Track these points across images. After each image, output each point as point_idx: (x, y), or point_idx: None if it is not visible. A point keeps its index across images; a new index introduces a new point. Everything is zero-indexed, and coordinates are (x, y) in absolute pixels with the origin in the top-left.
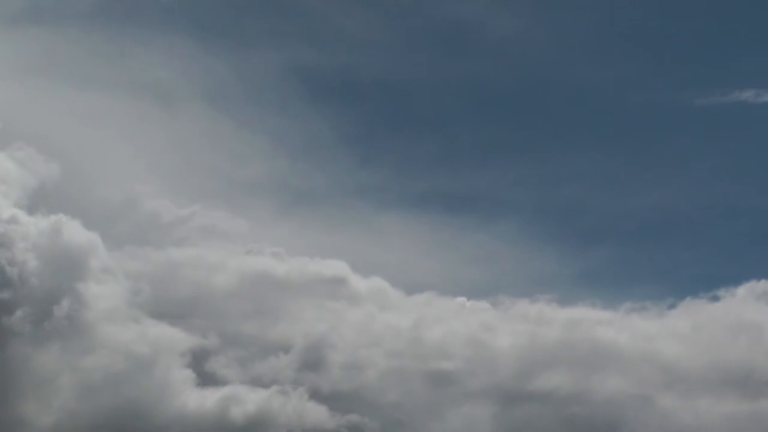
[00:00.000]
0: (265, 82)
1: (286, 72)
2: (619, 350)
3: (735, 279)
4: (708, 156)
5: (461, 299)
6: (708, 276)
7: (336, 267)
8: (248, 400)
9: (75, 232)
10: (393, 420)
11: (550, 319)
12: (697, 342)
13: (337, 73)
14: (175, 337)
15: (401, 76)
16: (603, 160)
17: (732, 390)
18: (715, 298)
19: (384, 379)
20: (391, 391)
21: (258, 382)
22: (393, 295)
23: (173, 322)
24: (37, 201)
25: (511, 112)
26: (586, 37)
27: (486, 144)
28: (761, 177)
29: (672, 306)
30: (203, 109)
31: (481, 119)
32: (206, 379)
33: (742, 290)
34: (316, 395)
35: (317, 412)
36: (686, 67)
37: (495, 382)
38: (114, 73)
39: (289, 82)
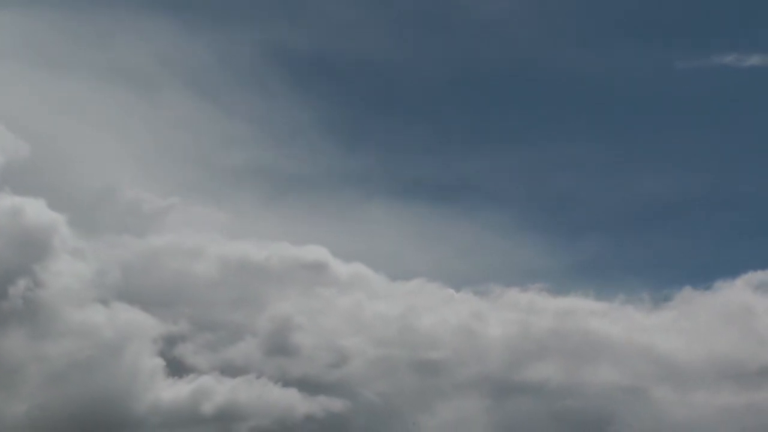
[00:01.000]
0: (247, 66)
1: (268, 55)
2: (612, 342)
3: (732, 270)
4: (703, 144)
5: (450, 288)
6: (704, 267)
7: (318, 253)
8: (221, 388)
9: (38, 212)
10: (380, 411)
11: (541, 308)
12: (692, 334)
13: (321, 55)
14: (146, 323)
15: (388, 58)
16: (596, 147)
17: (727, 382)
18: (712, 289)
19: (370, 368)
20: (377, 381)
21: (230, 369)
22: (380, 284)
23: (147, 309)
24: (3, 179)
25: (501, 96)
26: (576, 18)
27: (476, 130)
28: (761, 167)
29: (667, 298)
30: (183, 94)
31: (470, 104)
32: (177, 367)
33: (739, 281)
34: (290, 381)
35: (289, 397)
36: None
37: (485, 373)
38: (90, 57)
39: (271, 65)
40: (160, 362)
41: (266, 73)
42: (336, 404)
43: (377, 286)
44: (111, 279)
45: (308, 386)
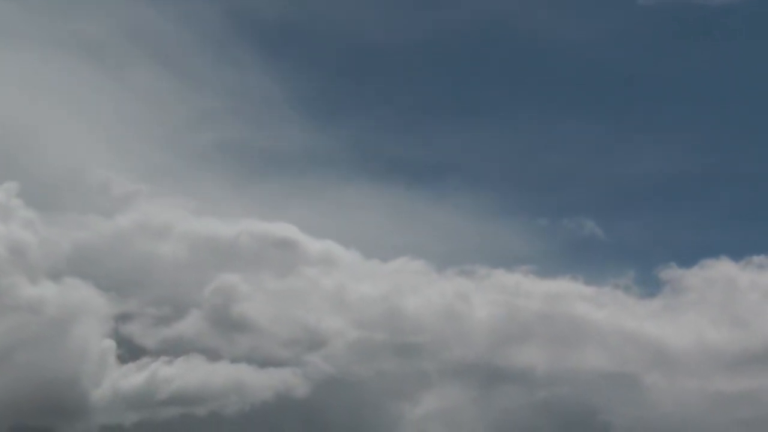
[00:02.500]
0: (216, 38)
1: (237, 26)
2: (600, 327)
3: (727, 252)
4: (697, 121)
5: (434, 268)
6: (697, 249)
7: (290, 231)
8: (179, 369)
9: None
10: (358, 397)
11: (528, 291)
12: (682, 319)
13: (292, 26)
14: (97, 302)
15: (363, 29)
16: (586, 124)
17: (719, 369)
18: (704, 272)
19: (349, 352)
20: (357, 367)
21: (190, 350)
22: (360, 264)
23: (107, 288)
24: None
25: (487, 70)
26: None
27: (459, 105)
28: (757, 147)
29: (657, 281)
30: (149, 68)
31: (452, 78)
32: (132, 349)
33: (733, 264)
34: (258, 362)
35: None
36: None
37: (471, 359)
38: (46, 30)
39: (241, 36)
40: (111, 343)
41: (236, 45)
42: (308, 389)
43: (357, 266)
44: (63, 255)
45: (280, 369)
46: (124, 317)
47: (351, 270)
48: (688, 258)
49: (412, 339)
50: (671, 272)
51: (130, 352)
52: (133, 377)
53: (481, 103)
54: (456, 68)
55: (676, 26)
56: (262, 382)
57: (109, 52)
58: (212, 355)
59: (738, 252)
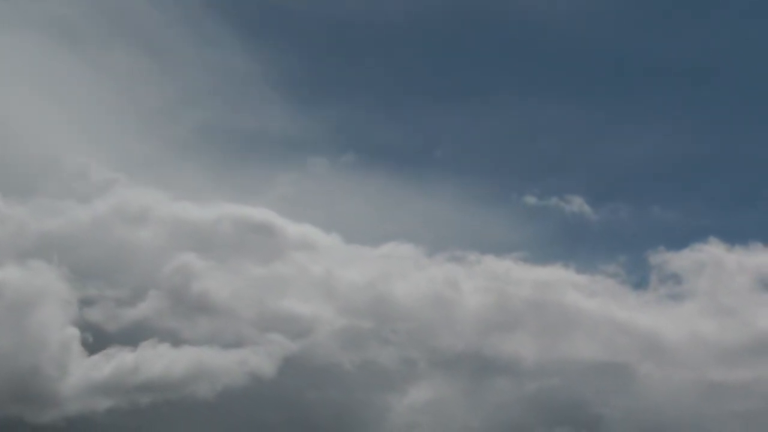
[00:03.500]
0: (192, 17)
1: (215, 4)
2: (592, 316)
3: (722, 237)
4: (692, 106)
5: (423, 254)
6: (692, 234)
7: (270, 216)
8: (152, 355)
9: None
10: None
11: (519, 278)
12: (677, 309)
13: (274, 4)
14: (62, 287)
15: (347, 10)
16: (579, 108)
17: (713, 360)
18: (700, 258)
19: (334, 340)
20: (339, 356)
21: (165, 336)
22: (345, 250)
23: (74, 275)
24: None
25: (473, 53)
26: None
27: (446, 88)
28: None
29: (651, 269)
30: (122, 49)
31: (439, 60)
32: (98, 336)
33: (730, 252)
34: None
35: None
36: None
37: (460, 348)
38: (19, 11)
39: (219, 15)
40: (75, 330)
41: (215, 24)
42: (273, 368)
43: (342, 252)
44: (32, 239)
45: (245, 349)
46: (90, 303)
47: (335, 256)
48: (680, 242)
49: (400, 326)
50: (663, 257)
51: (96, 338)
52: (102, 364)
53: (468, 85)
54: (442, 50)
55: (667, 7)
56: (231, 365)
57: (84, 33)
58: (181, 339)
59: (730, 236)
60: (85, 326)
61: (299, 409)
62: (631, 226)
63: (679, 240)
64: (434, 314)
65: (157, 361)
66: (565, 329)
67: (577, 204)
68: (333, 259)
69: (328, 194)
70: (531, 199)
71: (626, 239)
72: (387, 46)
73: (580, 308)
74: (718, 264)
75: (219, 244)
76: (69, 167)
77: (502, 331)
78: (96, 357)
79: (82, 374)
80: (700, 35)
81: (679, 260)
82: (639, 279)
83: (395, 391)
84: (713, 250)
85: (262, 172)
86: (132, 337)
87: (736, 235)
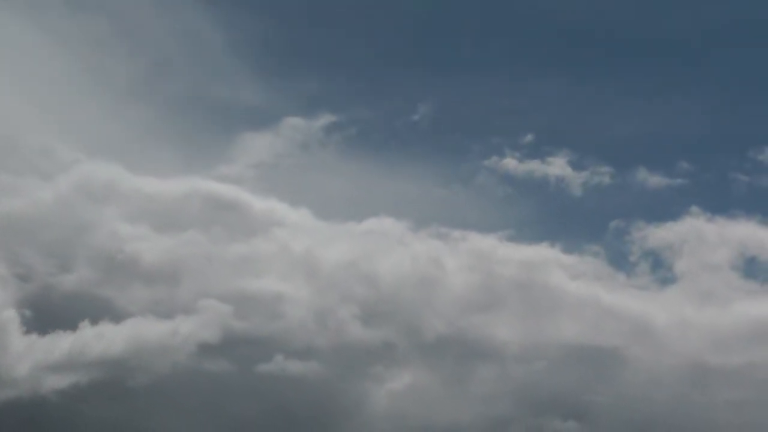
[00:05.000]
0: None
1: None
2: (579, 299)
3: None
4: (693, 81)
5: (408, 230)
6: (674, 208)
7: (235, 191)
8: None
9: None
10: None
11: (504, 257)
12: (667, 290)
13: None
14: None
15: None
16: (566, 84)
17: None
18: (692, 237)
19: (308, 321)
20: (315, 340)
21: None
22: (325, 227)
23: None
24: None
25: (458, 21)
26: None
27: (430, 60)
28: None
29: (641, 250)
30: (82, 21)
31: (424, 30)
32: (45, 316)
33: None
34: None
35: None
36: None
37: (443, 332)
38: None
39: None
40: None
41: None
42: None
43: (319, 228)
44: None
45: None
46: (28, 279)
47: (311, 232)
48: (666, 214)
49: (380, 308)
50: (648, 232)
51: (42, 318)
52: (53, 343)
53: (452, 57)
54: (426, 19)
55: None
56: (194, 347)
57: (46, 7)
58: (128, 314)
59: (714, 210)
60: (25, 305)
61: (272, 397)
62: (614, 195)
63: (665, 212)
64: (416, 295)
65: (106, 338)
66: (551, 312)
67: (559, 165)
68: (309, 236)
69: (302, 168)
70: (512, 162)
71: (610, 212)
72: (365, 14)
73: (566, 290)
74: (701, 238)
75: (185, 220)
76: (31, 145)
77: (486, 314)
78: (47, 337)
79: (29, 356)
80: (688, 10)
81: (665, 234)
82: (624, 258)
83: (374, 377)
84: (697, 223)
85: (232, 145)
86: (83, 314)
87: (721, 206)
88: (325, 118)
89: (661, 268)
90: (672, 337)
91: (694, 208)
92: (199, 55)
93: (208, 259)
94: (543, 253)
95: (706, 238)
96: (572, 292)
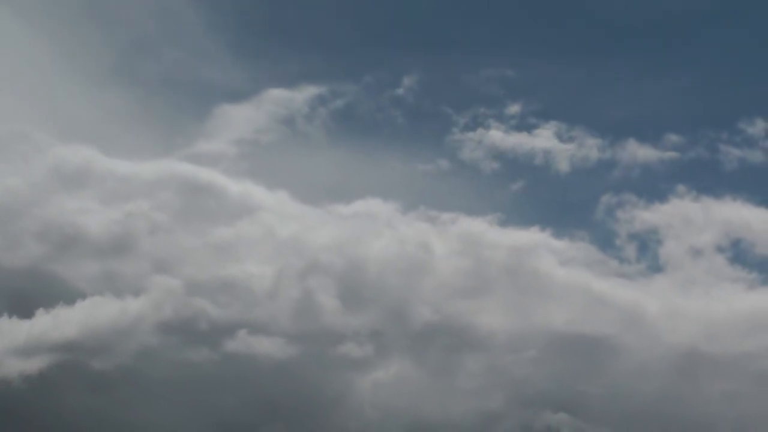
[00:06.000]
0: None
1: None
2: (569, 285)
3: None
4: (679, 55)
5: (398, 212)
6: (664, 188)
7: (211, 174)
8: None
9: None
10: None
11: (493, 241)
12: (658, 278)
13: None
14: None
15: None
16: (563, 57)
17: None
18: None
19: (289, 309)
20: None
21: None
22: (311, 211)
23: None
24: None
25: None
26: None
27: (419, 32)
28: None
29: (631, 233)
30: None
31: (410, 1)
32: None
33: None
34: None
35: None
36: None
37: (429, 320)
38: None
39: None
40: None
41: None
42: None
43: (307, 213)
44: None
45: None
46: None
47: (297, 217)
48: (657, 195)
49: (366, 294)
50: (640, 217)
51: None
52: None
53: (436, 31)
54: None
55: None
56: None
57: None
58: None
59: (703, 189)
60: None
61: (252, 386)
62: (602, 170)
63: (654, 189)
64: (404, 280)
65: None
66: (540, 299)
67: (546, 137)
68: (293, 219)
69: (283, 152)
70: (498, 134)
71: (599, 188)
72: None
73: (556, 276)
74: (690, 221)
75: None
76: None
77: (474, 301)
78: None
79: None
80: None
81: (655, 218)
82: (615, 243)
83: (358, 366)
84: (686, 205)
85: (212, 121)
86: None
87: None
88: (309, 91)
89: (652, 255)
90: (664, 325)
91: (681, 187)
92: (178, 34)
93: (192, 244)
94: (533, 237)
95: (694, 221)
96: (562, 279)
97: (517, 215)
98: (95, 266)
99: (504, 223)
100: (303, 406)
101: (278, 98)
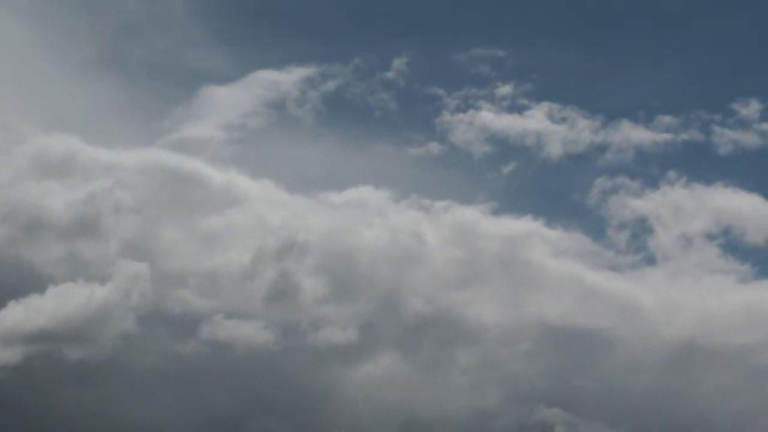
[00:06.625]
0: None
1: None
2: (561, 276)
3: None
4: (674, 36)
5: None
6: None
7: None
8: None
9: None
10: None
11: (486, 230)
12: (654, 269)
13: None
14: None
15: None
16: (554, 38)
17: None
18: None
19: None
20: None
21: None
22: (299, 200)
23: None
24: None
25: None
26: None
27: (408, 14)
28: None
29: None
30: None
31: None
32: None
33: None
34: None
35: None
36: None
37: (421, 312)
38: None
39: None
40: None
41: None
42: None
43: (300, 202)
44: None
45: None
46: None
47: (284, 204)
48: (652, 181)
49: (357, 286)
50: (633, 206)
51: None
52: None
53: (425, 13)
54: None
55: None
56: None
57: None
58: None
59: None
60: None
61: (242, 381)
62: (594, 153)
63: (647, 175)
64: (396, 271)
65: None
66: (533, 290)
67: (538, 119)
68: (282, 208)
69: (272, 137)
70: (489, 115)
71: (591, 173)
72: None
73: (549, 267)
74: (683, 209)
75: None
76: None
77: (467, 292)
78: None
79: None
80: None
81: (649, 206)
82: (608, 233)
83: (348, 361)
84: (678, 193)
85: (198, 104)
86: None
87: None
88: (297, 73)
89: (646, 246)
90: (659, 318)
91: (673, 173)
92: (164, 20)
93: (174, 234)
94: (526, 227)
95: (687, 209)
96: (555, 270)
97: (510, 203)
98: (62, 250)
99: (497, 212)
100: (293, 400)
101: (266, 80)
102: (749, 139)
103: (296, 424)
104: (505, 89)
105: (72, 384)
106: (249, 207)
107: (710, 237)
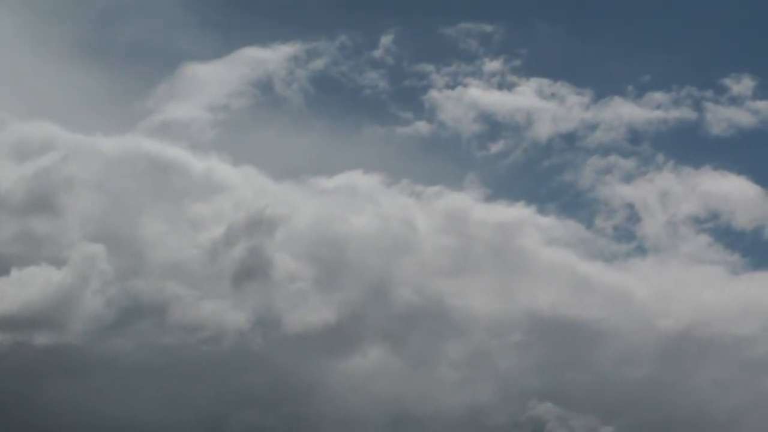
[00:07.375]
0: None
1: None
2: (554, 265)
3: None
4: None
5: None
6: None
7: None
8: None
9: None
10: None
11: (479, 217)
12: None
13: None
14: None
15: None
16: (551, 21)
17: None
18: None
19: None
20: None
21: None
22: (287, 188)
23: None
24: None
25: None
26: None
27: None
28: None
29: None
30: None
31: None
32: None
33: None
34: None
35: None
36: None
37: (410, 301)
38: None
39: None
40: None
41: None
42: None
43: (288, 187)
44: None
45: None
46: None
47: (276, 192)
48: (644, 163)
49: (343, 275)
50: (624, 192)
51: None
52: None
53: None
54: None
55: None
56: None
57: None
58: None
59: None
60: None
61: (224, 375)
62: (586, 131)
63: (639, 164)
64: (386, 259)
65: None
66: (525, 279)
67: (527, 96)
68: (267, 195)
69: (256, 125)
70: (477, 92)
71: (583, 154)
72: None
73: (542, 256)
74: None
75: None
76: None
77: (458, 281)
78: None
79: None
80: None
81: (640, 194)
82: (600, 221)
83: (335, 352)
84: (671, 180)
85: (184, 90)
86: None
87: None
88: (283, 51)
89: (640, 233)
90: (652, 309)
91: (661, 158)
92: (146, 3)
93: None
94: (518, 214)
95: (676, 194)
96: (547, 259)
97: (502, 187)
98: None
99: (489, 198)
100: (277, 392)
101: (252, 57)
102: (742, 117)
103: (281, 415)
104: (493, 65)
105: (47, 373)
106: (232, 193)
107: (698, 222)
